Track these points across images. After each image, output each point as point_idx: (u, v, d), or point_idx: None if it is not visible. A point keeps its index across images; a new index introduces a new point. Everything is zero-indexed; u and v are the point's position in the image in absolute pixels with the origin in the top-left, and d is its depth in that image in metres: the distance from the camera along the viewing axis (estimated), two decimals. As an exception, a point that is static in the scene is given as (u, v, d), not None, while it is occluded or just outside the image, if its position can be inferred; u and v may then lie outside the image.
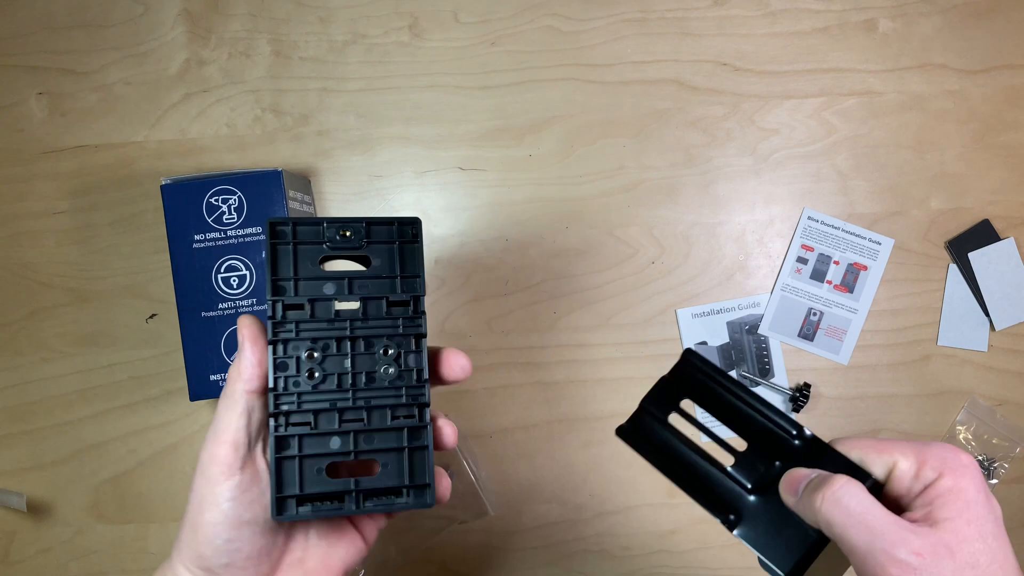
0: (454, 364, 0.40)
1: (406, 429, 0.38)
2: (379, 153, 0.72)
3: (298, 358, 0.38)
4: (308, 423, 0.37)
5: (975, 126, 0.70)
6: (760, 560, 0.37)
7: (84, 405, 0.71)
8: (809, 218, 0.70)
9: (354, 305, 0.38)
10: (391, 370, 0.38)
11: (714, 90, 0.71)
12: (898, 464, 0.36)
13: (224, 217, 0.63)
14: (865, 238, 0.70)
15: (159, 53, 0.72)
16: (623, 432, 0.42)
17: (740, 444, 0.41)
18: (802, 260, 0.71)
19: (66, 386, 0.71)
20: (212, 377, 0.63)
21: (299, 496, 0.37)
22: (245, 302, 0.63)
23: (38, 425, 0.72)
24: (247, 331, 0.37)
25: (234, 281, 0.63)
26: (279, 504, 0.36)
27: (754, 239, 0.71)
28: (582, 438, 0.70)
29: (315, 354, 0.38)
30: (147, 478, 0.71)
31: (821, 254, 0.70)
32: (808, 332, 0.70)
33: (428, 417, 0.38)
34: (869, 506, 0.33)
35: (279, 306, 0.38)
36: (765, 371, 0.71)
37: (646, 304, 0.71)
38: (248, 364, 0.36)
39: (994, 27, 0.70)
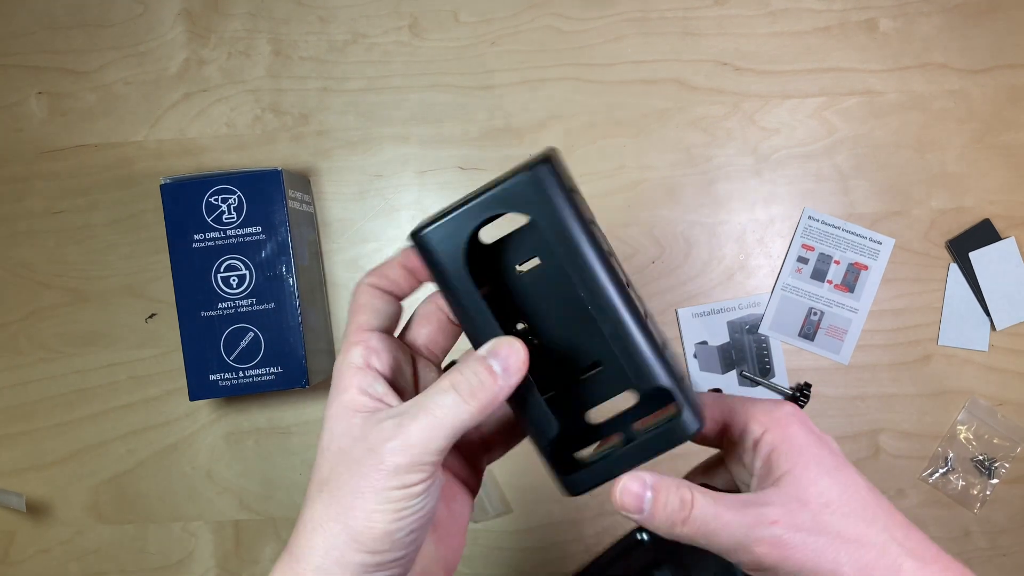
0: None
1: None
2: (379, 153, 0.72)
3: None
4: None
5: (976, 126, 0.70)
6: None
7: (84, 405, 0.71)
8: (810, 218, 0.70)
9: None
10: None
11: (714, 90, 0.71)
12: (729, 425, 0.36)
13: (224, 217, 0.63)
14: (866, 238, 0.70)
15: (159, 53, 0.72)
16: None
17: None
18: (802, 260, 0.70)
19: (66, 386, 0.71)
20: (212, 377, 0.63)
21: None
22: (244, 302, 0.63)
23: (38, 425, 0.71)
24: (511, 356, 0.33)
25: (233, 281, 0.63)
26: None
27: (754, 239, 0.71)
28: (582, 438, 0.70)
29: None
30: (147, 478, 0.71)
31: (822, 254, 0.70)
32: (808, 332, 0.70)
33: None
34: (723, 506, 0.32)
35: None
36: (766, 371, 0.70)
37: (646, 304, 0.71)
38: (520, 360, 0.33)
39: (995, 27, 0.70)
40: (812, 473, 0.33)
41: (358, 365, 0.35)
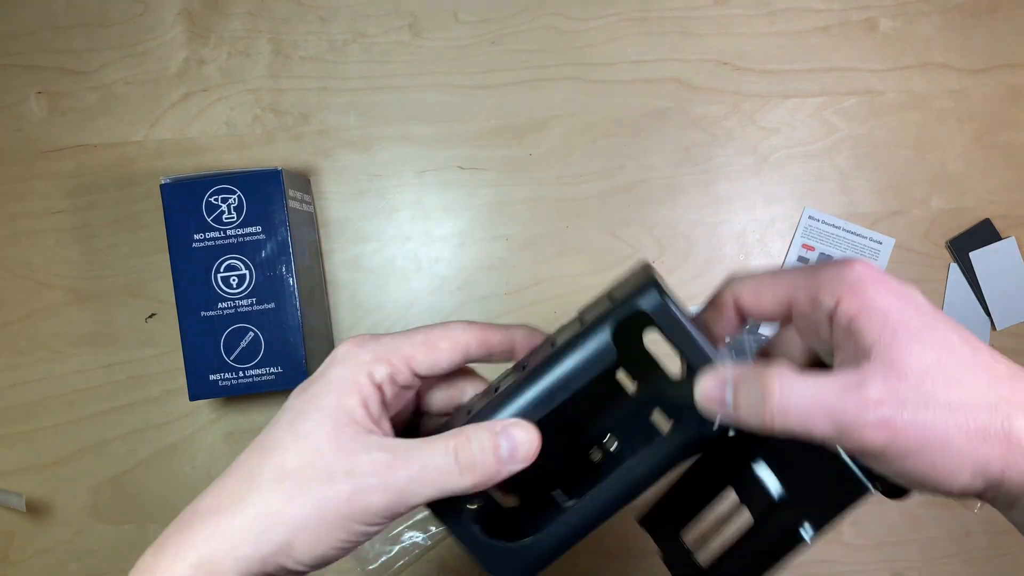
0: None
1: None
2: (379, 153, 0.72)
3: None
4: None
5: (976, 125, 0.70)
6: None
7: (84, 405, 0.71)
8: (810, 217, 0.70)
9: None
10: None
11: (715, 89, 0.71)
12: (795, 302, 0.32)
13: (224, 216, 0.63)
14: (866, 237, 0.70)
15: (158, 52, 0.72)
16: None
17: None
18: (803, 260, 0.70)
19: (66, 386, 0.71)
20: (212, 377, 0.63)
21: None
22: (244, 302, 0.63)
23: (38, 425, 0.71)
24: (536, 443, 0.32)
25: (233, 281, 0.63)
26: None
27: (755, 239, 0.71)
28: (582, 438, 0.70)
29: None
30: (147, 478, 0.71)
31: (822, 253, 0.70)
32: (809, 332, 0.70)
33: None
34: (814, 390, 0.29)
35: None
36: (765, 371, 0.70)
37: (646, 304, 0.71)
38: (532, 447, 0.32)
39: (995, 26, 0.70)
40: (903, 340, 0.29)
41: (375, 382, 0.33)
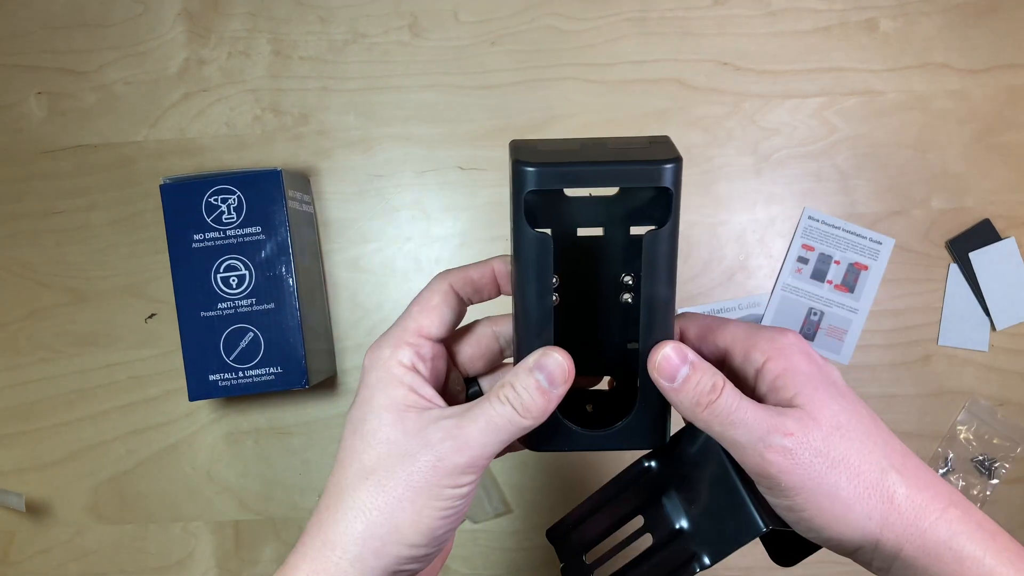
0: None
1: None
2: (379, 153, 0.72)
3: None
4: None
5: (976, 126, 0.70)
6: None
7: (84, 405, 0.71)
8: (810, 218, 0.70)
9: None
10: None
11: (715, 89, 0.71)
12: (730, 352, 0.36)
13: (223, 217, 0.63)
14: (866, 238, 0.70)
15: (158, 53, 0.72)
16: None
17: None
18: (803, 260, 0.70)
19: (65, 386, 0.71)
20: (211, 377, 0.63)
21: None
22: (244, 302, 0.63)
23: (38, 425, 0.71)
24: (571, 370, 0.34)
25: (233, 281, 0.63)
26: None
27: (755, 239, 0.71)
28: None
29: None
30: (147, 478, 0.71)
31: (822, 254, 0.70)
32: (809, 332, 0.70)
33: None
34: (746, 405, 0.33)
35: None
36: (765, 371, 0.70)
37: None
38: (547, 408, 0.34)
39: (996, 26, 0.70)
40: (821, 396, 0.33)
41: (407, 366, 0.35)
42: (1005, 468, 0.69)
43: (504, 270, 0.38)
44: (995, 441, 0.69)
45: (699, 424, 0.34)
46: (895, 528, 0.32)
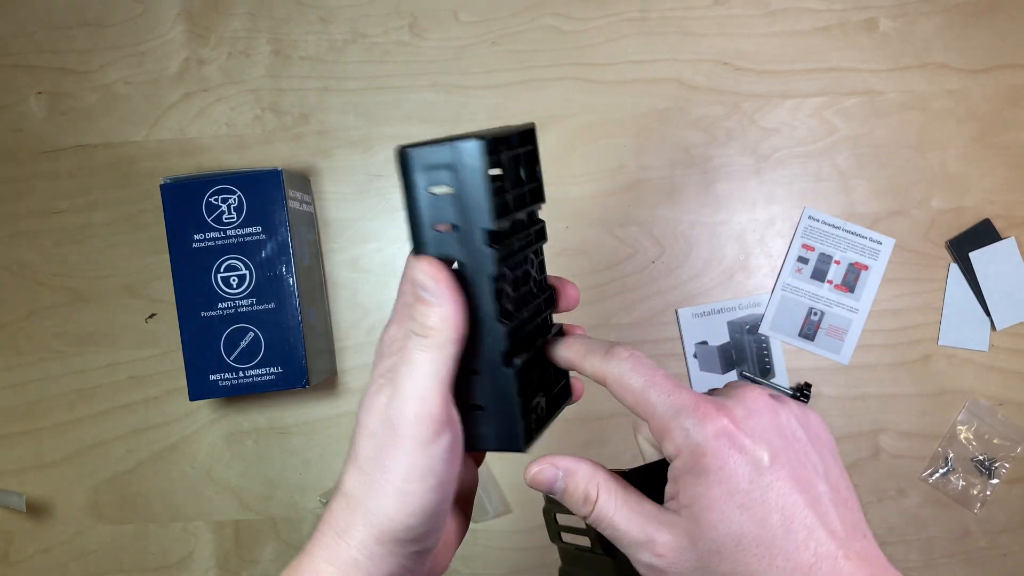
0: (571, 293, 0.40)
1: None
2: (379, 153, 0.72)
3: (515, 279, 0.35)
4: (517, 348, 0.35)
5: (976, 126, 0.70)
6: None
7: (84, 405, 0.71)
8: (810, 217, 0.70)
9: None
10: (539, 279, 0.38)
11: (714, 89, 0.71)
12: (641, 430, 0.36)
13: (224, 217, 0.63)
14: (866, 238, 0.70)
15: (159, 52, 0.72)
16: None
17: None
18: (803, 260, 0.70)
19: (66, 386, 0.71)
20: (212, 377, 0.63)
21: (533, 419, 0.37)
22: (244, 302, 0.63)
23: (38, 425, 0.71)
24: (439, 273, 0.32)
25: (233, 281, 0.63)
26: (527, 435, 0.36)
27: (755, 239, 0.71)
28: (582, 438, 0.70)
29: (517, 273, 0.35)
30: (147, 478, 0.71)
31: (822, 254, 0.70)
32: (809, 332, 0.70)
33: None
34: (618, 517, 0.33)
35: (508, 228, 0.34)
36: (766, 371, 0.70)
37: (646, 304, 0.71)
38: (453, 309, 0.32)
39: (995, 26, 0.70)
40: (713, 516, 0.30)
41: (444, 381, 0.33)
42: (1005, 468, 0.69)
43: None
44: (995, 441, 0.69)
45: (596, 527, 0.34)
46: None
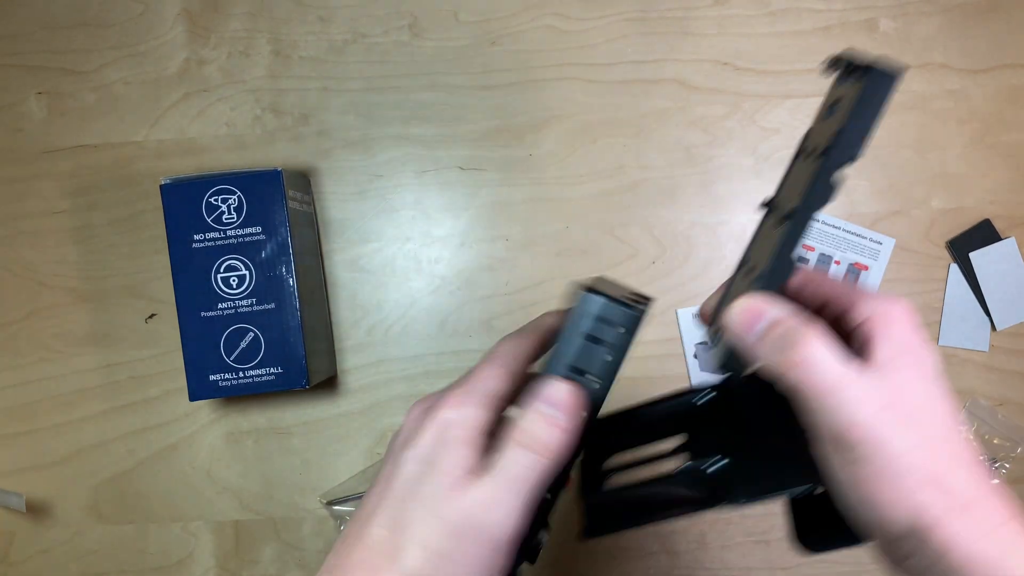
0: None
1: None
2: (379, 153, 0.72)
3: None
4: None
5: (976, 126, 0.70)
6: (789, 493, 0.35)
7: (84, 405, 0.71)
8: (810, 218, 0.70)
9: None
10: None
11: (715, 89, 0.71)
12: (828, 304, 0.35)
13: (224, 217, 0.63)
14: (866, 238, 0.70)
15: (158, 53, 0.72)
16: (592, 532, 0.39)
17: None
18: (803, 260, 0.70)
19: (66, 386, 0.71)
20: (212, 377, 0.63)
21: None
22: (245, 302, 0.63)
23: (38, 425, 0.71)
24: (579, 404, 0.33)
25: (233, 281, 0.63)
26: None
27: (754, 239, 0.71)
28: (582, 438, 0.70)
29: None
30: (147, 478, 0.71)
31: (822, 254, 0.70)
32: (809, 332, 0.70)
33: None
34: (838, 364, 0.31)
35: None
36: (765, 371, 0.70)
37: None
38: (569, 442, 0.33)
39: (995, 27, 0.70)
40: (911, 374, 0.31)
41: (470, 437, 0.33)
42: (1005, 468, 0.69)
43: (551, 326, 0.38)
44: (995, 441, 0.69)
45: (782, 379, 0.32)
46: (948, 526, 0.29)
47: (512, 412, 0.34)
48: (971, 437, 0.70)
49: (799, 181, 0.35)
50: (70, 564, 0.71)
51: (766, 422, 0.36)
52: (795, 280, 0.36)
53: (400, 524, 0.32)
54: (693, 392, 0.39)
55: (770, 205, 0.38)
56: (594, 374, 0.35)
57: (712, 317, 0.37)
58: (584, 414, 0.34)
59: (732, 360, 0.34)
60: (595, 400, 0.35)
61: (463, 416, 0.33)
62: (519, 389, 0.36)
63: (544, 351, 0.38)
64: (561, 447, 0.33)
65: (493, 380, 0.35)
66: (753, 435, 0.36)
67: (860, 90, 0.32)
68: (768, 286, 0.34)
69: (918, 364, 0.32)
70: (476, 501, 0.31)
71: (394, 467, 0.33)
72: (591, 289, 0.34)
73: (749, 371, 0.34)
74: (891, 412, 0.30)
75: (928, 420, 0.31)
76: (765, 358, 0.32)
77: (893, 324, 0.32)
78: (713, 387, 0.40)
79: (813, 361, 0.31)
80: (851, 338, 0.33)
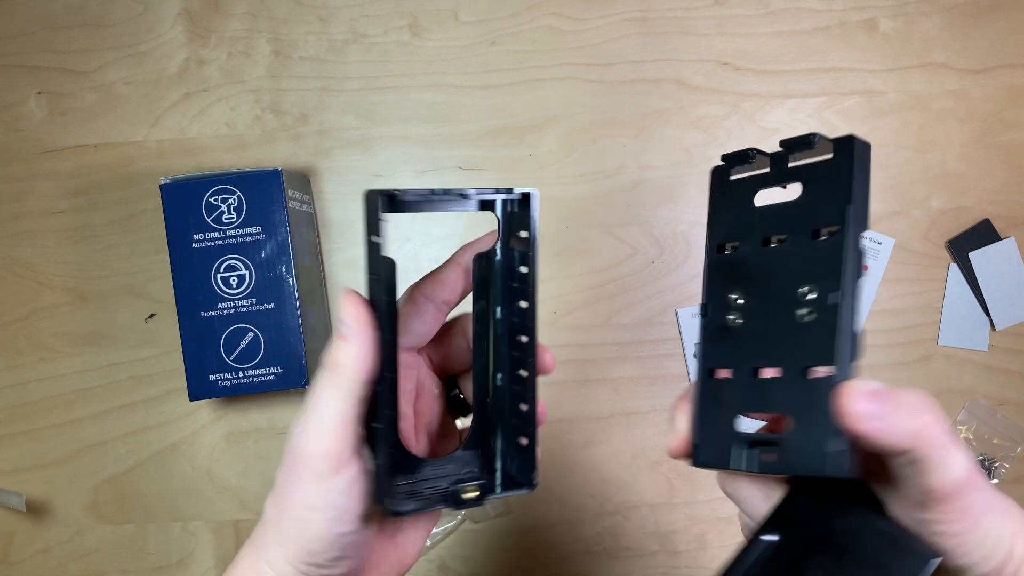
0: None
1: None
2: (379, 153, 0.72)
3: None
4: None
5: (976, 126, 0.70)
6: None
7: (84, 405, 0.71)
8: (810, 218, 0.70)
9: None
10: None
11: (715, 89, 0.71)
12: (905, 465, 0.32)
13: (223, 217, 0.63)
14: (866, 238, 0.70)
15: (159, 52, 0.72)
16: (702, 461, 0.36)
17: None
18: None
19: (66, 386, 0.71)
20: (211, 377, 0.63)
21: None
22: (244, 302, 0.63)
23: (38, 425, 0.71)
24: (360, 311, 0.33)
25: (233, 281, 0.63)
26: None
27: (754, 239, 0.71)
28: (582, 438, 0.70)
29: None
30: (147, 478, 0.71)
31: (822, 254, 0.70)
32: (808, 332, 0.70)
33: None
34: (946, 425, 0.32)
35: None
36: (765, 371, 0.70)
37: (646, 304, 0.71)
38: (364, 349, 0.33)
39: (995, 26, 0.70)
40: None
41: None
42: (1005, 468, 0.69)
43: (466, 264, 0.39)
44: (995, 441, 0.69)
45: (899, 443, 0.31)
46: None
47: None
48: (971, 436, 0.70)
49: (808, 262, 0.33)
50: (70, 564, 0.71)
51: (857, 527, 0.34)
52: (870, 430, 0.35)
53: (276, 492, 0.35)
54: (761, 544, 0.35)
55: (706, 309, 0.37)
56: (372, 272, 0.34)
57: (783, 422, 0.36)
58: (367, 314, 0.33)
59: (844, 458, 0.32)
60: (385, 291, 0.34)
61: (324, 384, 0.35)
62: (436, 324, 0.39)
63: (461, 289, 0.39)
64: (357, 356, 0.33)
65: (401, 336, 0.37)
66: (850, 548, 0.34)
67: (849, 161, 0.32)
68: (849, 371, 0.32)
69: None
70: (296, 433, 0.34)
71: None
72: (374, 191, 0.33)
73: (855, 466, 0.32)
74: (976, 476, 0.32)
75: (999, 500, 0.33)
76: (898, 431, 0.31)
77: (978, 520, 0.33)
78: (774, 524, 0.36)
79: (935, 421, 0.31)
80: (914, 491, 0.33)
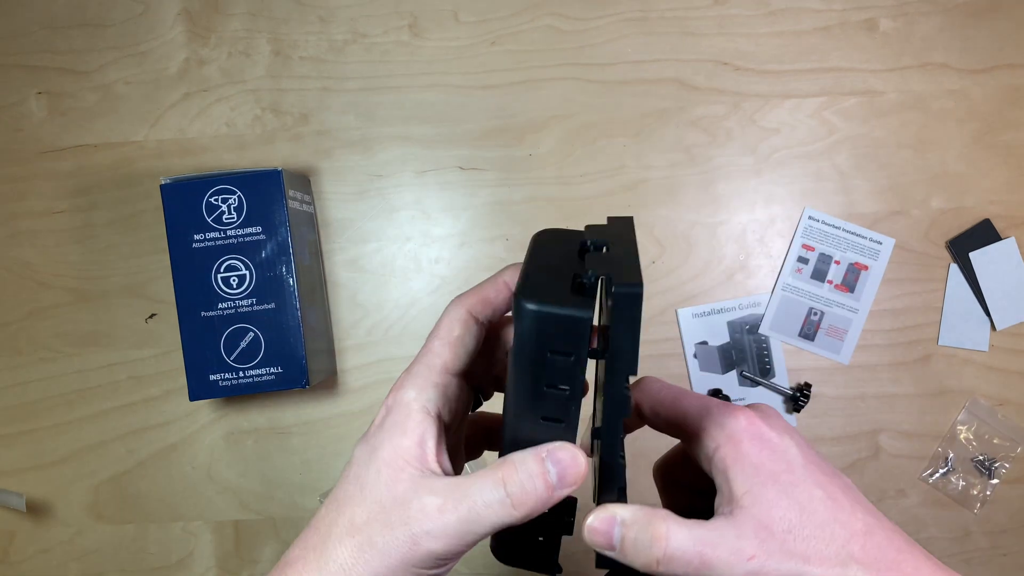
0: None
1: None
2: (379, 153, 0.72)
3: None
4: None
5: (976, 125, 0.70)
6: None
7: (84, 405, 0.71)
8: (810, 218, 0.70)
9: None
10: None
11: (715, 89, 0.71)
12: (683, 429, 0.35)
13: (224, 217, 0.63)
14: (866, 238, 0.70)
15: (159, 52, 0.72)
16: None
17: None
18: (803, 260, 0.70)
19: (66, 386, 0.71)
20: (212, 377, 0.63)
21: None
22: (245, 302, 0.63)
23: (38, 425, 0.71)
24: (583, 466, 0.32)
25: (234, 281, 0.63)
26: None
27: (755, 239, 0.71)
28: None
29: None
30: (147, 478, 0.71)
31: (822, 254, 0.70)
32: (809, 332, 0.70)
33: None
34: (696, 541, 0.32)
35: None
36: (766, 371, 0.70)
37: (646, 304, 0.71)
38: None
39: (995, 26, 0.70)
40: (771, 494, 0.32)
41: (428, 411, 0.34)
42: (1005, 468, 0.69)
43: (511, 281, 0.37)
44: (995, 441, 0.69)
45: (648, 571, 0.32)
46: None
47: (516, 456, 0.33)
48: (971, 436, 0.70)
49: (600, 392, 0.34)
50: (70, 564, 0.71)
51: None
52: (648, 404, 0.37)
53: (339, 505, 0.33)
54: None
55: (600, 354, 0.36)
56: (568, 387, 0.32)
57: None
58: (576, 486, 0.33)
59: (606, 562, 0.34)
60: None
61: (405, 399, 0.34)
62: (479, 343, 0.36)
63: (503, 307, 0.37)
64: (534, 511, 0.32)
65: (448, 351, 0.35)
66: None
67: (615, 310, 0.32)
68: (609, 497, 0.34)
69: (775, 478, 0.32)
70: (422, 503, 0.32)
71: (349, 462, 0.35)
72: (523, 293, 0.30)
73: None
74: (768, 554, 0.31)
75: (804, 537, 0.31)
76: (634, 561, 0.33)
77: (741, 444, 0.33)
78: None
79: (674, 551, 0.31)
80: (711, 467, 0.34)
